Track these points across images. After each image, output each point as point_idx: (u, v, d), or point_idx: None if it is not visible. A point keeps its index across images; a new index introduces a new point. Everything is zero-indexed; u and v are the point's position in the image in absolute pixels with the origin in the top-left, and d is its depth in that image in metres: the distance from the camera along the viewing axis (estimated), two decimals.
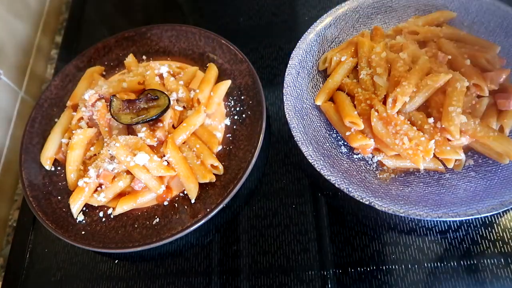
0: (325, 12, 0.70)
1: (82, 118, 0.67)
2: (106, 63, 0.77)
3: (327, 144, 0.62)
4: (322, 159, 0.58)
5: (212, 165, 0.62)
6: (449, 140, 0.56)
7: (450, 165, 0.56)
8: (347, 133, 0.60)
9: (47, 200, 0.64)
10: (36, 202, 0.63)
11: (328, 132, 0.63)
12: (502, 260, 0.54)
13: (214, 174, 0.62)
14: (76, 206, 0.61)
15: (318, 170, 0.57)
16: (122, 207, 0.61)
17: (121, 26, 0.82)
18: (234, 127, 0.67)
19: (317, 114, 0.65)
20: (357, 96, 0.61)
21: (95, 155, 0.65)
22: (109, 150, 0.61)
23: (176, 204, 0.62)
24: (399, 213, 0.53)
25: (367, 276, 0.55)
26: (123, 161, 0.60)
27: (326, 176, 0.56)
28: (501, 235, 0.56)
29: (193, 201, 0.61)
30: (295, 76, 0.65)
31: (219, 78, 0.71)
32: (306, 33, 0.68)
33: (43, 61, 0.87)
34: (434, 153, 0.55)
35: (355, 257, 0.57)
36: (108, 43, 0.77)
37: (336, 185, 0.56)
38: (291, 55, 0.66)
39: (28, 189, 0.64)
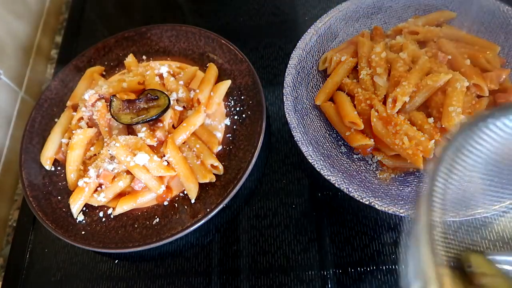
0: (325, 12, 0.70)
1: (82, 118, 0.67)
2: (106, 63, 0.77)
3: (327, 144, 0.62)
4: (322, 159, 0.58)
5: (212, 165, 0.62)
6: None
7: None
8: (347, 133, 0.60)
9: (47, 200, 0.64)
10: (36, 202, 0.63)
11: (328, 132, 0.63)
12: None
13: (214, 174, 0.62)
14: (76, 206, 0.61)
15: (318, 170, 0.57)
16: (122, 207, 0.61)
17: (121, 26, 0.82)
18: (234, 127, 0.67)
19: (317, 114, 0.65)
20: (357, 96, 0.61)
21: (95, 155, 0.65)
22: (109, 150, 0.61)
23: (176, 204, 0.62)
24: (399, 213, 0.53)
25: (367, 276, 0.55)
26: (123, 161, 0.60)
27: (326, 176, 0.56)
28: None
29: (193, 201, 0.61)
30: (295, 76, 0.65)
31: (219, 78, 0.71)
32: (306, 33, 0.68)
33: (43, 61, 0.87)
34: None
35: (355, 257, 0.57)
36: (108, 43, 0.77)
37: (336, 185, 0.56)
38: (291, 55, 0.66)
39: (28, 189, 0.64)
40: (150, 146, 0.62)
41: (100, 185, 0.62)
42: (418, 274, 0.29)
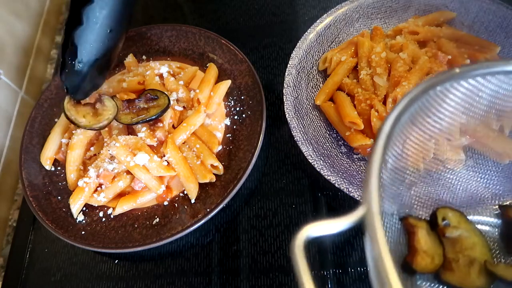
0: (325, 12, 0.70)
1: None
2: None
3: (327, 144, 0.62)
4: (322, 159, 0.58)
5: (212, 165, 0.62)
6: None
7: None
8: (347, 133, 0.60)
9: (47, 200, 0.64)
10: (36, 202, 0.63)
11: (328, 132, 0.63)
12: None
13: (214, 174, 0.62)
14: (76, 206, 0.61)
15: (318, 170, 0.57)
16: (122, 207, 0.61)
17: None
18: (234, 127, 0.67)
19: (317, 114, 0.65)
20: (357, 96, 0.61)
21: (95, 155, 0.65)
22: (109, 150, 0.61)
23: (176, 204, 0.62)
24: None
25: (367, 276, 0.55)
26: (123, 161, 0.60)
27: (326, 176, 0.56)
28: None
29: (193, 201, 0.61)
30: (295, 76, 0.65)
31: (219, 78, 0.71)
32: (306, 33, 0.68)
33: (43, 61, 0.87)
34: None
35: (355, 257, 0.57)
36: None
37: (336, 185, 0.56)
38: (291, 55, 0.66)
39: (28, 189, 0.64)
40: (150, 146, 0.62)
41: (100, 185, 0.62)
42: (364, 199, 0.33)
